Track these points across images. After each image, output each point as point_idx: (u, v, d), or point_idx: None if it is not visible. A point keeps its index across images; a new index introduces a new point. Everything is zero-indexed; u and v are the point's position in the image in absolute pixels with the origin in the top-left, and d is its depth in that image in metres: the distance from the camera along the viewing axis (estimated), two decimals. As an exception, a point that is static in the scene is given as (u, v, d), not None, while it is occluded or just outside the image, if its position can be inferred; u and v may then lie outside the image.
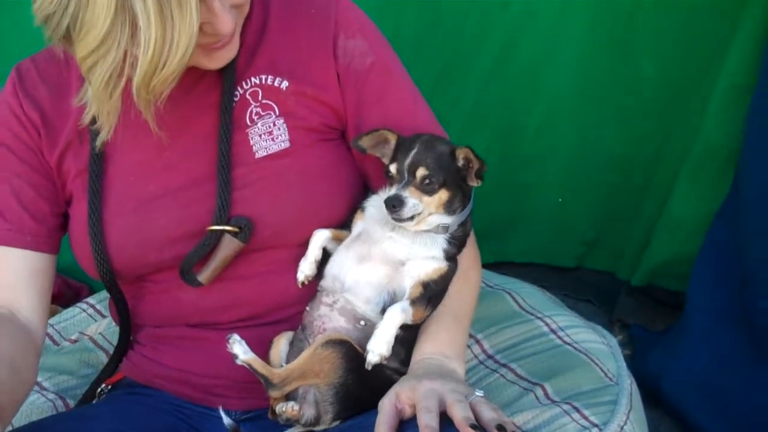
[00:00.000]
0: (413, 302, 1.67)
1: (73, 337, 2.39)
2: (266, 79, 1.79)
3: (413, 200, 1.64)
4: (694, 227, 2.91)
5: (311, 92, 1.79)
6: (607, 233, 3.34)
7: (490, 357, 2.14)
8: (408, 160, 1.67)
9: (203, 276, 1.76)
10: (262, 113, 1.78)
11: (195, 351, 1.84)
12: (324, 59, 1.80)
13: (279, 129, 1.77)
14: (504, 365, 2.10)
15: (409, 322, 1.67)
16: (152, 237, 1.76)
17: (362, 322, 1.71)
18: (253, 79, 1.79)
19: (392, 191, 1.66)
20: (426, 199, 1.66)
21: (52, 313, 2.44)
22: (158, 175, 1.77)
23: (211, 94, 1.77)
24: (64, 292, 2.85)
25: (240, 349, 1.66)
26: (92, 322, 2.45)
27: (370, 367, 1.62)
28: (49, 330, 2.36)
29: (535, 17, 2.92)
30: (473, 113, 3.15)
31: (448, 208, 1.70)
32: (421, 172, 1.65)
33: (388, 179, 1.72)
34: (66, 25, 1.46)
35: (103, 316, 2.45)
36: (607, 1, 2.84)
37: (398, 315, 1.64)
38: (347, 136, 1.87)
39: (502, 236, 3.41)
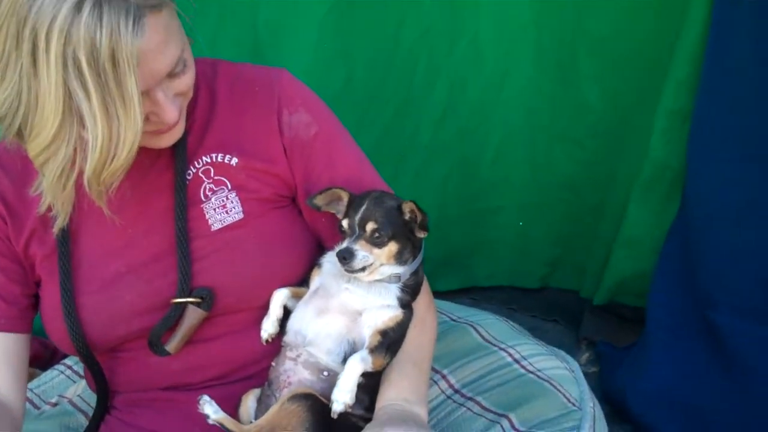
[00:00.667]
0: (372, 351, 1.74)
1: (52, 401, 2.41)
2: (217, 157, 1.86)
3: (363, 252, 1.73)
4: (649, 244, 2.99)
5: (260, 166, 1.87)
6: (568, 253, 3.44)
7: (456, 392, 2.19)
8: (358, 216, 1.76)
9: (170, 346, 1.83)
10: (215, 188, 1.85)
11: (169, 412, 1.90)
12: (270, 134, 1.88)
13: (232, 202, 1.85)
14: (470, 398, 2.14)
15: (369, 369, 1.74)
16: (119, 313, 1.82)
17: (325, 373, 1.77)
18: (204, 158, 1.86)
19: (344, 245, 1.75)
20: (376, 251, 1.75)
21: (31, 377, 2.46)
22: (120, 253, 1.84)
23: (166, 174, 1.84)
24: (42, 354, 2.88)
25: (211, 409, 1.72)
26: (71, 384, 2.48)
27: (335, 416, 1.69)
28: (29, 394, 2.39)
29: (482, 52, 3.02)
30: (431, 147, 3.24)
31: (399, 258, 1.78)
32: (370, 226, 1.74)
33: (341, 234, 1.80)
34: (18, 126, 1.53)
35: (81, 377, 2.47)
36: (551, 33, 2.93)
37: (358, 365, 1.71)
38: (298, 202, 1.94)
39: (467, 262, 3.50)
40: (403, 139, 3.18)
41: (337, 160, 1.93)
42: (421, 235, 1.79)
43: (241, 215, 1.85)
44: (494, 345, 2.30)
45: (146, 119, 1.57)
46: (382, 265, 1.77)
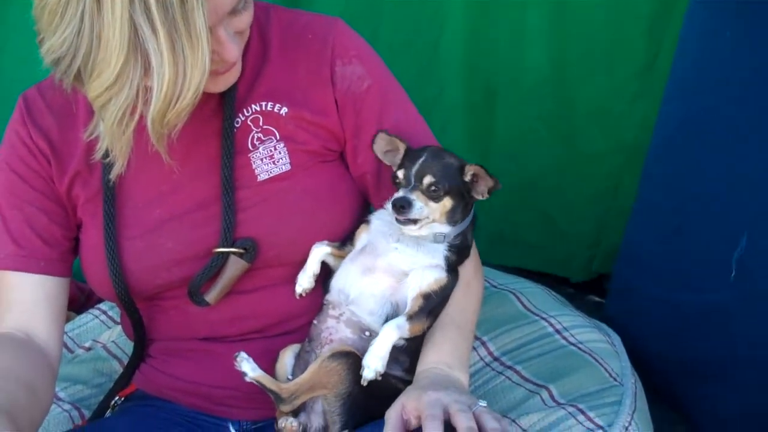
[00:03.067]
0: (411, 317, 1.70)
1: (86, 345, 2.43)
2: (266, 106, 1.82)
3: (420, 203, 1.69)
4: None
5: (310, 117, 1.82)
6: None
7: (495, 359, 2.17)
8: (416, 167, 1.71)
9: (210, 296, 1.80)
10: (263, 138, 1.81)
11: (205, 363, 1.88)
12: (322, 85, 1.83)
13: (280, 153, 1.80)
14: (509, 367, 2.13)
15: (406, 336, 1.70)
16: (160, 260, 1.80)
17: (367, 333, 1.74)
18: (253, 106, 1.82)
19: (399, 194, 1.70)
20: (431, 204, 1.70)
21: (66, 320, 2.47)
22: (164, 200, 1.81)
23: (214, 121, 1.80)
24: (77, 297, 2.88)
25: (248, 367, 1.70)
26: (105, 329, 2.49)
27: (365, 383, 1.66)
28: (64, 337, 2.40)
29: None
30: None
31: (450, 217, 1.74)
32: (428, 179, 1.70)
33: (395, 185, 1.76)
34: (77, 67, 1.48)
35: (116, 323, 2.49)
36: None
37: (393, 332, 1.67)
38: (346, 156, 1.90)
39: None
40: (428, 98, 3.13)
41: (388, 116, 1.87)
42: (480, 197, 1.75)
43: (289, 167, 1.81)
44: (535, 314, 2.28)
45: None
46: (433, 221, 1.72)
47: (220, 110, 1.80)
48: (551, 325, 2.23)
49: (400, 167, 1.75)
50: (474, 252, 1.89)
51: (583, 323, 2.25)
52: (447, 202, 1.72)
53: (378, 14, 3.05)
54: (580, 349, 2.15)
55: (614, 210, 3.18)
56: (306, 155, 1.83)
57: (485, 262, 1.97)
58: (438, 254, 1.76)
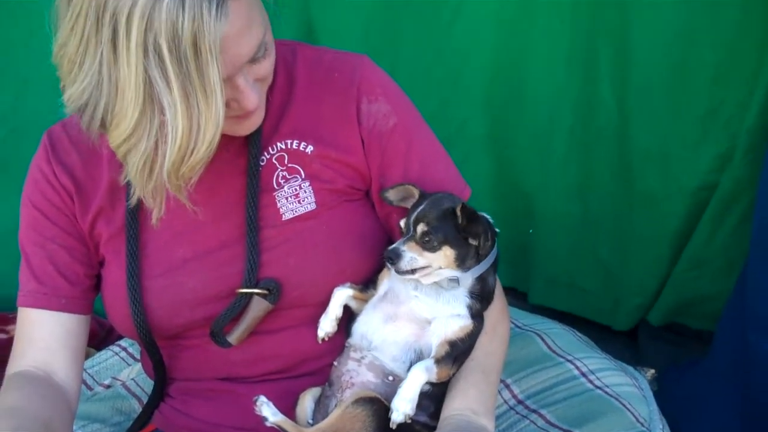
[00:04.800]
0: (438, 361, 1.67)
1: (106, 383, 2.41)
2: (292, 144, 1.81)
3: (410, 254, 1.65)
4: (719, 265, 2.91)
5: (335, 155, 1.81)
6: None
7: (520, 402, 2.13)
8: (413, 216, 1.69)
9: (233, 337, 1.78)
10: (289, 177, 1.80)
11: (225, 404, 1.85)
12: (347, 123, 1.82)
13: (305, 192, 1.79)
14: (534, 411, 2.09)
15: (433, 380, 1.67)
16: (182, 299, 1.78)
17: (390, 378, 1.71)
18: (279, 144, 1.81)
19: (394, 244, 1.68)
20: (428, 254, 1.66)
21: (86, 356, 2.46)
22: (188, 238, 1.79)
23: (239, 159, 1.79)
24: (97, 332, 2.88)
25: (269, 411, 1.67)
26: (125, 366, 2.47)
27: (394, 426, 1.63)
28: (83, 374, 2.38)
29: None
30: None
31: (460, 264, 1.69)
32: (420, 228, 1.66)
33: (400, 234, 1.73)
34: (100, 116, 1.47)
35: (136, 360, 2.47)
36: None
37: (422, 374, 1.64)
38: (371, 195, 1.88)
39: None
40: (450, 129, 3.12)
41: (414, 154, 1.85)
42: (474, 242, 1.70)
43: (314, 206, 1.79)
44: (561, 356, 2.25)
45: (227, 106, 1.51)
46: (440, 268, 1.68)
47: (245, 149, 1.79)
48: (577, 367, 2.19)
49: (407, 215, 1.73)
50: (499, 294, 1.86)
51: (608, 366, 2.21)
52: (447, 252, 1.67)
53: (398, 44, 3.05)
54: (606, 393, 2.11)
55: (686, 261, 3.07)
56: (331, 194, 1.81)
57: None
58: (459, 303, 1.73)
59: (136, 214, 1.79)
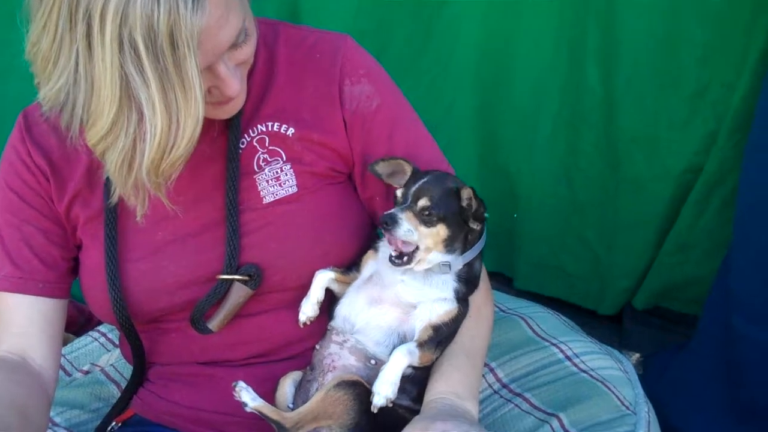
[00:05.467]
0: (421, 345, 1.65)
1: (84, 368, 2.36)
2: (272, 126, 1.78)
3: (408, 225, 1.61)
4: (704, 249, 2.92)
5: (318, 138, 1.78)
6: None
7: (504, 386, 2.11)
8: (414, 187, 1.65)
9: (213, 323, 1.76)
10: (270, 159, 1.77)
11: (206, 388, 1.83)
12: (330, 105, 1.79)
13: (286, 174, 1.76)
14: (518, 395, 2.08)
15: (416, 364, 1.65)
16: (163, 283, 1.76)
17: (372, 361, 1.69)
18: (259, 126, 1.77)
19: (391, 210, 1.64)
20: (422, 229, 1.63)
21: (64, 342, 2.41)
22: (168, 222, 1.76)
23: (219, 142, 1.76)
24: (76, 318, 2.83)
25: (248, 397, 1.65)
26: (104, 352, 2.43)
27: (375, 410, 1.61)
28: (61, 360, 2.34)
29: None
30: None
31: (448, 246, 1.67)
32: (422, 201, 1.63)
33: (394, 204, 1.70)
34: (80, 114, 1.43)
35: (115, 345, 2.43)
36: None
37: (404, 358, 1.63)
38: (354, 178, 1.85)
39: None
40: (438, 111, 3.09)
41: (398, 136, 1.83)
42: (475, 226, 1.68)
43: (295, 189, 1.76)
44: (545, 340, 2.23)
45: (207, 92, 1.49)
46: (429, 250, 1.65)
47: (225, 131, 1.76)
48: (562, 351, 2.17)
49: (403, 186, 1.70)
50: (484, 277, 1.84)
51: (593, 349, 2.19)
52: (441, 230, 1.64)
53: (389, 26, 3.00)
54: (591, 376, 2.09)
55: (671, 245, 3.06)
56: (313, 177, 1.79)
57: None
58: (446, 287, 1.71)
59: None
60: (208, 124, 1.67)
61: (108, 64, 1.35)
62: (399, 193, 1.68)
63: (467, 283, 1.72)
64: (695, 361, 2.76)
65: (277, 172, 1.76)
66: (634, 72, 2.83)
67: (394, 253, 1.64)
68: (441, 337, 1.69)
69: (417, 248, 1.64)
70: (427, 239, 1.64)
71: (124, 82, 1.36)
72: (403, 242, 1.62)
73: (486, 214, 1.70)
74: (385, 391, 1.60)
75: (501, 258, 3.44)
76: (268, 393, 1.73)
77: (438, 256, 1.67)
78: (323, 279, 1.76)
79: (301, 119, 1.78)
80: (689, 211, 2.93)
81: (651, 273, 3.12)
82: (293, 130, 1.77)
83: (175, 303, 1.77)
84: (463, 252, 1.71)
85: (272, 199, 1.75)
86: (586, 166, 3.09)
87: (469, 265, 1.73)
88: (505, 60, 3.03)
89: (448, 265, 1.69)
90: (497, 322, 2.20)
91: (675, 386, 2.78)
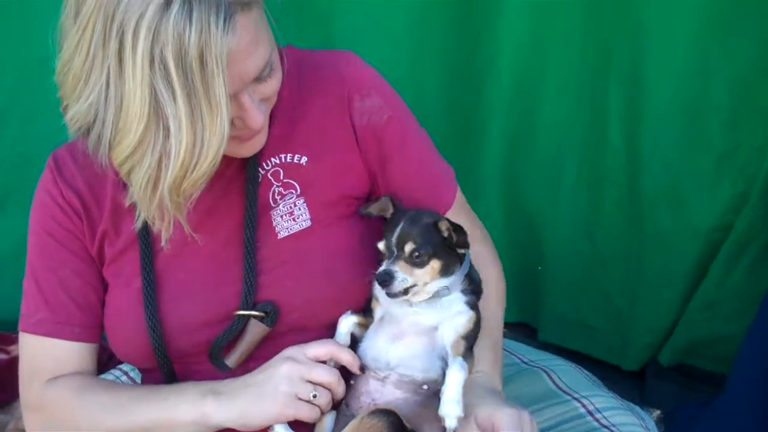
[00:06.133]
0: (465, 356, 1.66)
1: (106, 406, 2.37)
2: (286, 158, 1.79)
3: (402, 275, 1.63)
4: (734, 307, 2.90)
5: (330, 161, 1.80)
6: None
7: (526, 440, 2.09)
8: (395, 236, 1.67)
9: (231, 360, 1.75)
10: (284, 192, 1.78)
11: None
12: (340, 123, 1.80)
13: (299, 209, 1.77)
14: (540, 449, 2.05)
15: (468, 376, 1.64)
16: (184, 323, 1.76)
17: (425, 387, 1.69)
18: (273, 159, 1.79)
19: (382, 267, 1.66)
20: (417, 272, 1.65)
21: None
22: (186, 261, 1.77)
23: (236, 178, 1.78)
24: (99, 357, 2.83)
25: (280, 428, 1.67)
26: (126, 390, 2.43)
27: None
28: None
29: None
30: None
31: (445, 272, 1.69)
32: (409, 246, 1.65)
33: (378, 256, 1.71)
34: (108, 134, 1.45)
35: (136, 383, 2.44)
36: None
37: (461, 373, 1.62)
38: (377, 192, 1.87)
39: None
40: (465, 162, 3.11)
41: (410, 147, 1.86)
42: (462, 251, 1.71)
43: (309, 223, 1.77)
44: (567, 393, 2.21)
45: (231, 124, 1.49)
46: (426, 284, 1.67)
47: (242, 168, 1.77)
48: (584, 405, 2.15)
49: (382, 238, 1.71)
50: (486, 244, 1.94)
51: (615, 405, 2.17)
52: (435, 264, 1.66)
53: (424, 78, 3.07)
54: (613, 432, 2.06)
55: (699, 302, 3.05)
56: (326, 208, 1.79)
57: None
58: (457, 302, 1.72)
59: (148, 238, 1.76)
60: (227, 161, 1.69)
61: (138, 80, 1.37)
62: (381, 246, 1.70)
63: (473, 292, 1.74)
64: (725, 418, 2.72)
65: (290, 207, 1.78)
66: (659, 132, 2.87)
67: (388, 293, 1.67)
68: (472, 343, 1.70)
69: (414, 285, 1.66)
70: (423, 277, 1.66)
71: (152, 98, 1.38)
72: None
73: (468, 241, 1.71)
74: (454, 411, 1.58)
75: (525, 309, 3.44)
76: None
77: (436, 284, 1.69)
78: (347, 324, 1.77)
79: (313, 144, 1.80)
80: (718, 269, 2.93)
81: (678, 329, 3.11)
82: (306, 158, 1.79)
83: (196, 342, 1.76)
84: (458, 270, 1.72)
85: (286, 234, 1.76)
86: (607, 222, 3.12)
87: (467, 275, 1.75)
88: (528, 115, 3.10)
89: (447, 288, 1.70)
90: (519, 374, 2.21)
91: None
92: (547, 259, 3.30)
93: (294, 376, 1.66)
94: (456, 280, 1.71)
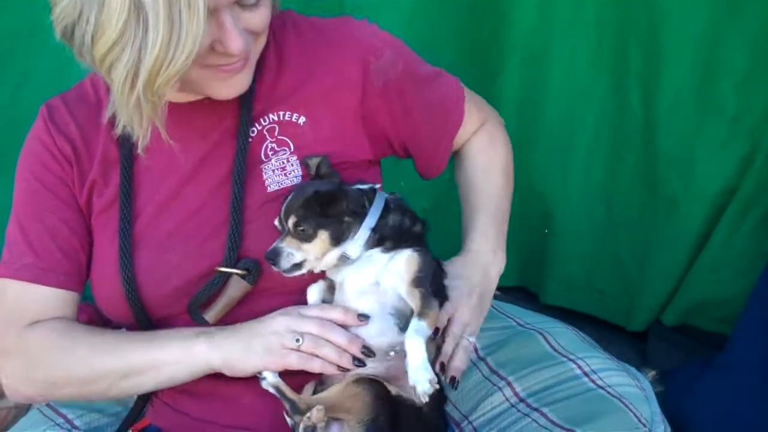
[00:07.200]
0: (420, 313, 1.64)
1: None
2: (284, 115, 1.80)
3: (288, 250, 1.64)
4: (738, 268, 2.92)
5: (329, 127, 1.80)
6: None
7: (521, 400, 2.09)
8: (282, 210, 1.67)
9: (209, 315, 1.76)
10: (277, 149, 1.79)
11: (214, 401, 1.84)
12: (347, 85, 1.82)
13: (292, 165, 1.78)
14: (536, 409, 2.05)
15: (430, 333, 1.63)
16: (167, 275, 1.77)
17: (392, 353, 1.70)
18: (271, 115, 1.80)
19: (273, 244, 1.66)
20: (305, 246, 1.65)
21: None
22: (173, 211, 1.78)
23: (228, 132, 1.79)
24: (95, 321, 2.85)
25: (270, 375, 1.68)
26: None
27: (426, 399, 1.59)
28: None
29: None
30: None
31: (339, 242, 1.67)
32: (292, 221, 1.65)
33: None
34: (91, 34, 1.48)
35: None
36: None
37: (416, 339, 1.61)
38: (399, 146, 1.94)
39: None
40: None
41: (423, 82, 1.92)
42: (351, 219, 1.67)
43: (300, 179, 1.78)
44: (563, 355, 2.21)
45: (210, 49, 1.53)
46: (318, 258, 1.66)
47: (237, 119, 1.78)
48: (579, 367, 2.15)
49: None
50: (488, 115, 2.05)
51: (611, 366, 2.16)
52: (323, 236, 1.65)
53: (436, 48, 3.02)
54: (608, 393, 2.06)
55: (703, 264, 3.05)
56: None
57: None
58: (379, 252, 1.70)
59: (130, 188, 1.78)
60: (221, 113, 1.73)
61: None
62: (276, 221, 1.69)
63: (397, 234, 1.71)
64: (726, 375, 2.73)
65: (283, 163, 1.78)
66: (676, 96, 2.88)
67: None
68: (426, 284, 1.67)
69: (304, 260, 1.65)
70: (313, 251, 1.66)
71: None
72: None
73: (364, 206, 1.68)
74: (422, 377, 1.58)
75: (526, 273, 3.43)
76: (279, 407, 1.73)
77: (335, 253, 1.67)
78: (315, 292, 1.78)
79: (315, 107, 1.81)
80: (722, 231, 2.94)
81: (681, 290, 3.12)
82: (304, 119, 1.79)
83: (175, 297, 1.77)
84: (356, 232, 1.69)
85: (276, 188, 1.78)
86: (625, 187, 3.12)
87: (384, 227, 1.71)
88: (540, 79, 3.11)
89: (346, 257, 1.68)
90: (515, 337, 2.22)
91: (704, 401, 2.75)
92: (556, 223, 3.31)
93: (281, 329, 1.67)
94: (356, 245, 1.68)
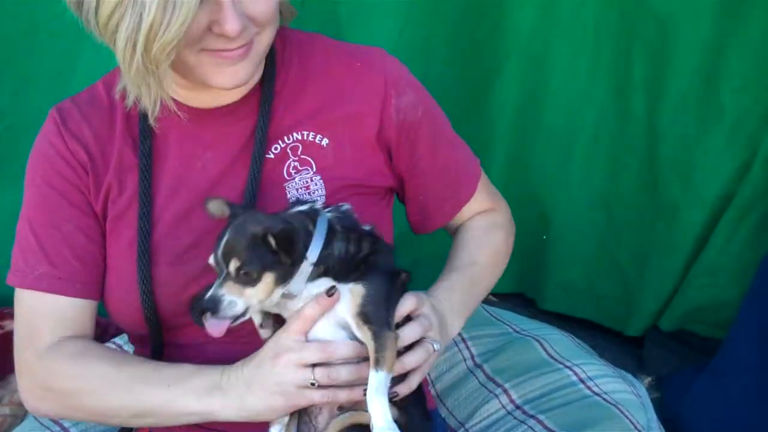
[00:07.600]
0: (377, 361, 1.47)
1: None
2: (308, 136, 1.77)
3: (230, 298, 1.45)
4: (734, 272, 2.91)
5: (351, 152, 1.77)
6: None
7: (518, 407, 2.11)
8: (220, 250, 1.48)
9: None
10: (300, 168, 1.76)
11: None
12: (369, 116, 1.78)
13: (316, 185, 1.74)
14: (532, 416, 2.07)
15: (389, 381, 1.49)
16: (185, 285, 1.72)
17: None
18: (295, 134, 1.76)
19: (210, 291, 1.47)
20: (248, 291, 1.46)
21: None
22: (191, 222, 1.74)
23: (246, 150, 1.75)
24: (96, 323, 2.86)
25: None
26: (121, 364, 2.45)
27: None
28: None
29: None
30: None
31: (282, 282, 1.49)
32: (234, 264, 1.45)
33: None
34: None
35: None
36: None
37: (378, 399, 1.46)
38: (401, 192, 1.89)
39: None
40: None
41: (440, 143, 1.87)
42: (289, 260, 1.46)
43: (324, 199, 1.74)
44: (559, 362, 2.22)
45: (208, 30, 1.51)
46: (261, 301, 1.49)
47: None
48: (575, 373, 2.16)
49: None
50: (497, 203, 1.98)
51: (607, 372, 2.18)
52: (268, 278, 1.46)
53: (431, 51, 3.05)
54: (604, 399, 2.08)
55: (700, 268, 3.04)
56: (342, 189, 1.77)
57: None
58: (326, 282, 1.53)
59: (150, 196, 1.74)
60: (239, 130, 1.73)
61: None
62: (211, 260, 1.51)
63: (342, 263, 1.53)
64: (721, 379, 2.74)
65: (307, 182, 1.75)
66: (680, 102, 2.87)
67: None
68: (376, 315, 1.51)
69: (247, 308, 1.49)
70: (257, 296, 1.47)
71: None
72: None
73: (292, 246, 1.48)
74: (383, 425, 1.44)
75: (523, 279, 3.43)
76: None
77: (277, 294, 1.50)
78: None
79: (338, 131, 1.77)
80: (720, 235, 2.93)
81: (679, 294, 3.11)
82: (327, 141, 1.78)
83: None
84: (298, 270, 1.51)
85: None
86: (626, 192, 3.10)
87: (327, 254, 1.52)
88: (541, 83, 3.08)
89: (290, 295, 1.52)
90: (511, 343, 2.22)
91: (700, 406, 2.76)
92: (555, 229, 3.29)
93: (289, 367, 1.57)
94: (300, 283, 1.51)
